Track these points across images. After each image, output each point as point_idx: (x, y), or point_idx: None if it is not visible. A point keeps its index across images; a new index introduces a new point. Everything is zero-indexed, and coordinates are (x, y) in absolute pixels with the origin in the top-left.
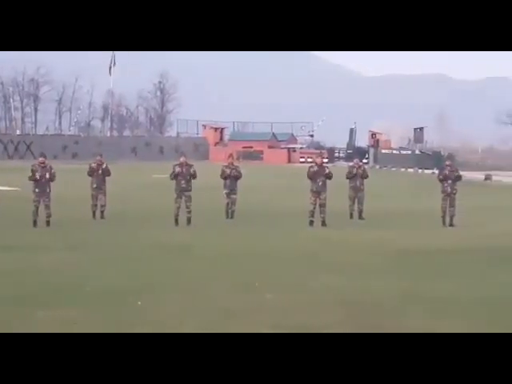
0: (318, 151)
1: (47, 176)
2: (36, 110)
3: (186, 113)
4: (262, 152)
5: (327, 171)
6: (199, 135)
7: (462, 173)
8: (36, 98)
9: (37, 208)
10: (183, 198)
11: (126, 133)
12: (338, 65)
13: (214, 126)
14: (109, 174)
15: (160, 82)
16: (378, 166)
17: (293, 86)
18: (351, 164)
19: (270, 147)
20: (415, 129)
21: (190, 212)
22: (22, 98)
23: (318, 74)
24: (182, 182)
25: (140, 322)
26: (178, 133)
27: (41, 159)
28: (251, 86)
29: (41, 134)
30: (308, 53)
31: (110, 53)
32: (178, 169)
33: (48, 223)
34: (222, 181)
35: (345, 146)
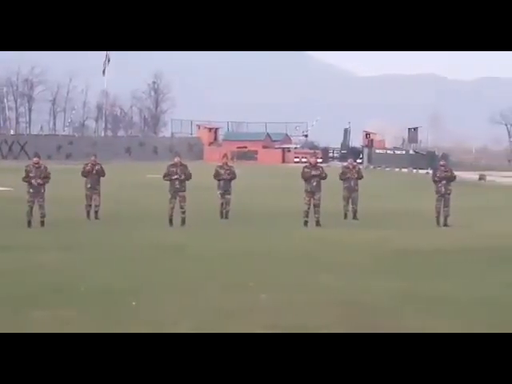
0: (313, 151)
1: (40, 182)
2: (30, 110)
3: (180, 113)
4: (256, 152)
5: (321, 171)
6: (193, 135)
7: (455, 173)
8: (30, 98)
9: (31, 208)
10: (177, 198)
11: (120, 133)
12: (332, 65)
13: (209, 126)
14: (103, 175)
15: (154, 82)
16: (372, 166)
17: (287, 86)
18: (345, 164)
19: (264, 147)
20: (409, 129)
21: (184, 212)
22: (16, 98)
23: (312, 74)
24: (176, 182)
25: (135, 322)
26: (172, 133)
27: (35, 159)
28: (245, 85)
29: (35, 134)
30: (302, 53)
31: (104, 53)
32: (172, 169)
33: (42, 223)
34: (216, 181)
35: (339, 146)
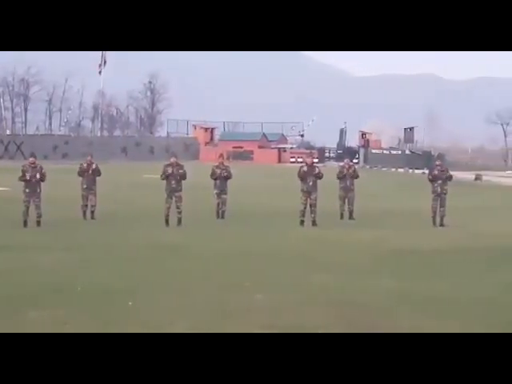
0: (309, 151)
1: (37, 176)
2: (26, 109)
3: (176, 113)
4: (252, 152)
5: (317, 171)
6: (189, 135)
7: (451, 173)
8: (26, 98)
9: (27, 208)
10: (174, 198)
11: (117, 133)
12: (328, 65)
13: (205, 126)
14: (99, 174)
15: (150, 82)
16: (368, 166)
17: (283, 86)
18: (342, 164)
19: (260, 147)
20: (405, 129)
21: (180, 212)
22: (12, 98)
23: (308, 74)
24: (173, 182)
25: (131, 321)
26: (168, 133)
27: (31, 159)
28: (242, 86)
29: (31, 134)
30: (299, 53)
31: (100, 53)
32: (168, 169)
33: (38, 223)
34: (213, 181)
35: (335, 146)
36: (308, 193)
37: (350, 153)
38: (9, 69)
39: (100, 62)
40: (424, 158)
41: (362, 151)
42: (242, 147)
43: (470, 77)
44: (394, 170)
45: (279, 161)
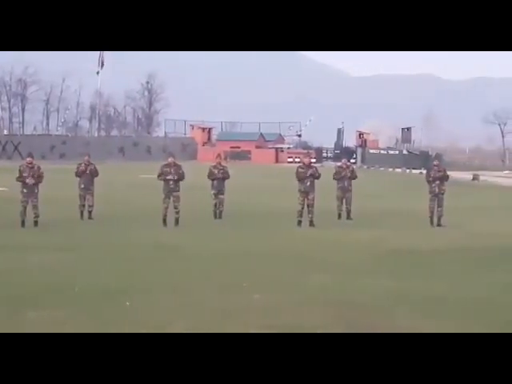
0: (306, 151)
1: (33, 182)
2: (23, 109)
3: (173, 113)
4: (249, 152)
5: (315, 171)
6: (187, 135)
7: (449, 173)
8: (23, 98)
9: (25, 208)
10: (171, 198)
11: (114, 133)
12: (326, 65)
13: (202, 126)
14: (97, 175)
15: (148, 82)
16: (365, 166)
17: (281, 86)
18: (339, 164)
19: (257, 147)
20: (403, 129)
21: (178, 212)
22: (10, 98)
23: (306, 74)
24: (171, 182)
25: (129, 322)
26: (165, 133)
27: (28, 159)
28: (239, 85)
29: (28, 134)
30: (296, 53)
31: (98, 53)
32: (166, 169)
33: (36, 223)
34: (210, 181)
35: (332, 146)
36: (305, 193)
37: (348, 153)
38: (6, 69)
39: (98, 62)
40: (421, 158)
41: (359, 151)
42: (239, 147)
43: (468, 77)
44: (391, 170)
45: (276, 161)
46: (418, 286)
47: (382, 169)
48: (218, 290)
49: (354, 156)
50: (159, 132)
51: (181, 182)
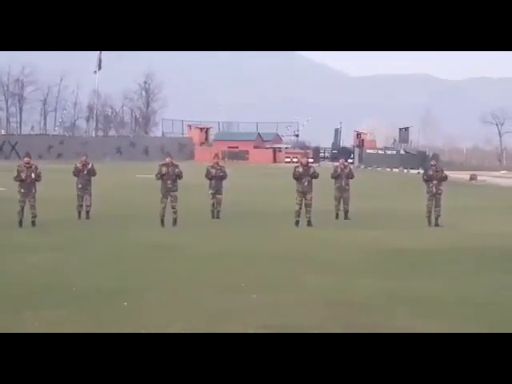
0: (304, 151)
1: (32, 176)
2: (21, 109)
3: (171, 113)
4: (247, 152)
5: (312, 171)
6: (184, 135)
7: (446, 173)
8: (21, 98)
9: (22, 208)
10: (169, 198)
11: (111, 133)
12: (323, 65)
13: (200, 126)
14: (94, 174)
15: (145, 82)
16: (363, 166)
17: (278, 86)
18: (337, 164)
19: (255, 147)
20: (400, 129)
21: (175, 212)
22: (7, 98)
23: (303, 74)
24: (168, 182)
25: (127, 322)
26: (163, 133)
27: (26, 159)
28: (237, 85)
29: (26, 133)
30: (294, 53)
31: (95, 53)
32: (163, 169)
33: (33, 223)
34: (208, 181)
35: (330, 145)
36: (303, 193)
37: (345, 153)
38: (4, 69)
39: (96, 64)
40: (419, 158)
41: (356, 151)
42: (237, 147)
43: (465, 77)
44: (388, 169)
45: (274, 161)
46: (417, 286)
47: (379, 169)
48: (216, 290)
49: (352, 156)
50: (157, 132)
51: (178, 182)
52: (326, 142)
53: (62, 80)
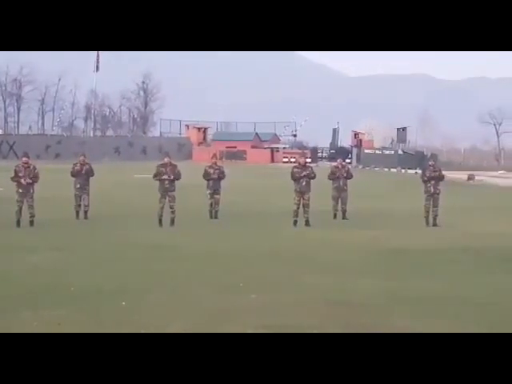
0: (301, 151)
1: (29, 181)
2: (19, 109)
3: (169, 113)
4: (245, 152)
5: (310, 171)
6: (182, 135)
7: (444, 173)
8: (19, 98)
9: (20, 208)
10: (167, 198)
11: (109, 133)
12: (322, 65)
13: (198, 126)
14: (92, 175)
15: (143, 82)
16: (360, 166)
17: (277, 86)
18: (334, 164)
19: (253, 147)
20: (398, 129)
21: (173, 212)
22: (5, 98)
23: (301, 74)
24: (166, 182)
25: (125, 322)
26: (161, 133)
27: (24, 159)
28: (235, 85)
29: (24, 133)
30: (292, 53)
31: (93, 53)
32: (162, 169)
33: (31, 223)
34: (206, 181)
35: (328, 145)
36: (301, 193)
37: (343, 153)
38: (1, 69)
39: (94, 66)
40: (417, 158)
41: (354, 151)
42: (235, 147)
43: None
44: (386, 169)
45: (272, 161)
46: (416, 286)
47: (377, 169)
48: (215, 290)
49: (350, 156)
50: (154, 132)
51: (176, 182)
52: (323, 142)
53: (59, 80)
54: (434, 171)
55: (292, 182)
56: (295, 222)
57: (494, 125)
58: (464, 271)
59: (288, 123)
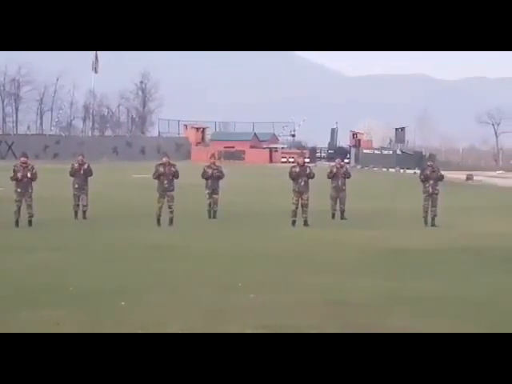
0: (300, 151)
1: (29, 176)
2: (17, 109)
3: (167, 113)
4: (243, 152)
5: (309, 171)
6: (181, 135)
7: (443, 173)
8: (17, 98)
9: (19, 208)
10: (166, 197)
11: (108, 133)
12: (320, 65)
13: (196, 126)
14: (91, 174)
15: (142, 82)
16: (359, 166)
17: (275, 86)
18: (333, 164)
19: (251, 147)
20: (396, 129)
21: (172, 212)
22: (3, 98)
23: (300, 74)
24: (165, 181)
25: (124, 322)
26: (159, 133)
27: (22, 159)
28: (233, 85)
29: (22, 133)
30: (291, 53)
31: (92, 53)
32: (160, 169)
33: (30, 223)
34: (204, 181)
35: (326, 145)
36: (299, 193)
37: (342, 153)
38: (0, 68)
39: (92, 67)
40: (415, 158)
41: (353, 151)
42: (233, 147)
43: (462, 77)
44: (385, 170)
45: (270, 161)
46: (411, 286)
47: (375, 169)
48: (214, 289)
49: (348, 156)
50: (153, 132)
51: (175, 182)
52: (322, 142)
53: (58, 80)
54: (433, 171)
55: (290, 181)
56: (294, 222)
57: (493, 125)
58: (465, 271)
59: (286, 123)
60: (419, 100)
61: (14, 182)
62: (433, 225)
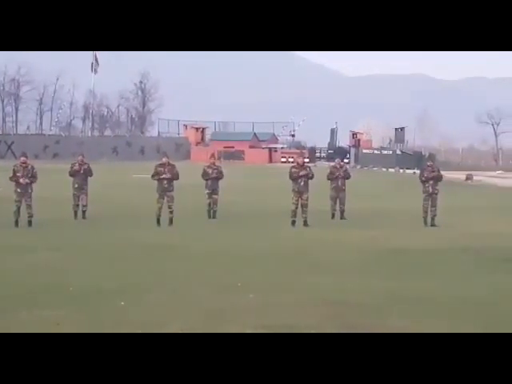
0: (299, 151)
1: (28, 181)
2: (17, 109)
3: (167, 113)
4: (243, 152)
5: (308, 171)
6: (180, 135)
7: (442, 173)
8: (17, 98)
9: (18, 208)
10: (165, 198)
11: (107, 133)
12: (320, 65)
13: (196, 126)
14: (91, 175)
15: (141, 82)
16: (359, 166)
17: (275, 86)
18: (333, 164)
19: (251, 147)
20: (396, 129)
21: (172, 212)
22: (3, 98)
23: (300, 74)
24: (165, 182)
25: (124, 322)
26: (159, 133)
27: (22, 159)
28: (233, 85)
29: (22, 133)
30: (290, 53)
31: (91, 53)
32: (160, 169)
33: (30, 223)
34: (204, 181)
35: (326, 145)
36: (299, 193)
37: (341, 153)
38: (0, 68)
39: (91, 68)
40: (415, 158)
41: (352, 151)
42: (233, 147)
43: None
44: (384, 170)
45: (270, 161)
46: (411, 286)
47: (375, 169)
48: (213, 289)
49: (348, 156)
50: (153, 132)
51: (175, 182)
52: (321, 142)
53: (57, 80)
54: (433, 171)
55: (290, 181)
56: (293, 222)
57: (492, 125)
58: (464, 271)
59: (286, 123)
60: (419, 100)
61: (14, 183)
62: (433, 225)
